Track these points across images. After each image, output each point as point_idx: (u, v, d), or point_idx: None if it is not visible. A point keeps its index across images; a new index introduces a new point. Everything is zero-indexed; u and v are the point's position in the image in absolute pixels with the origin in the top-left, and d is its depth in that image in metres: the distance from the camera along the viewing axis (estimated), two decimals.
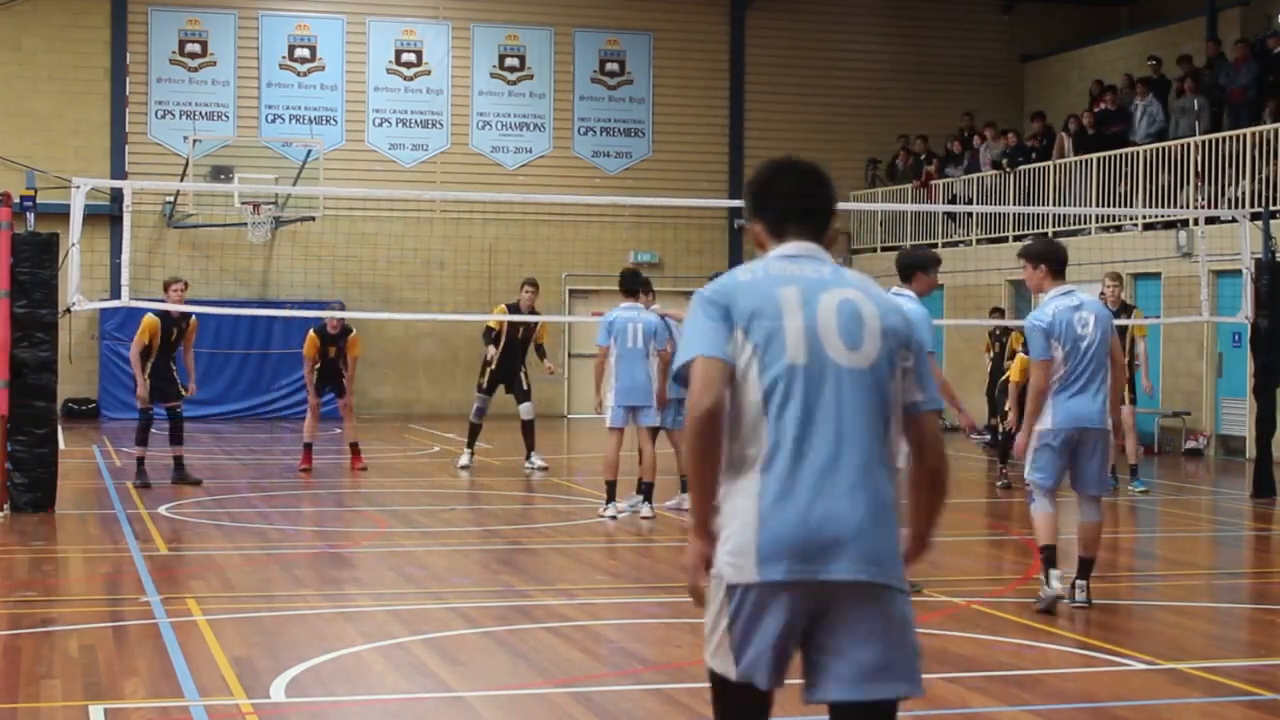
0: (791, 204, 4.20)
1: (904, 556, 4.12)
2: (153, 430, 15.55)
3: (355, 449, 17.36)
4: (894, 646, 4.06)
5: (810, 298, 4.02)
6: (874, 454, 3.99)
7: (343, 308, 17.90)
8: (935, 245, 27.27)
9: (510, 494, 15.78)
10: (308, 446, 17.17)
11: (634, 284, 13.57)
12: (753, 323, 3.98)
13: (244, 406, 26.15)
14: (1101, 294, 15.03)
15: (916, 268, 9.69)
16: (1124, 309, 15.67)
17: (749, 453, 3.97)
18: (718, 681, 4.39)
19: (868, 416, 3.99)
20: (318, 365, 17.06)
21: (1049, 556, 9.15)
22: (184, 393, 15.47)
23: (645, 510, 13.32)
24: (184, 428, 15.70)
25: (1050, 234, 24.04)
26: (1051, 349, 9.04)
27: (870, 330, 4.03)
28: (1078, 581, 9.21)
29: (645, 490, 13.38)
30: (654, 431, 13.42)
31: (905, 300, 9.27)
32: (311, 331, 17.18)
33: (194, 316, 15.69)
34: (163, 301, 15.38)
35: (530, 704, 7.12)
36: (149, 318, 15.13)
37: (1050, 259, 9.30)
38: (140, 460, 15.39)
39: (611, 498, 13.28)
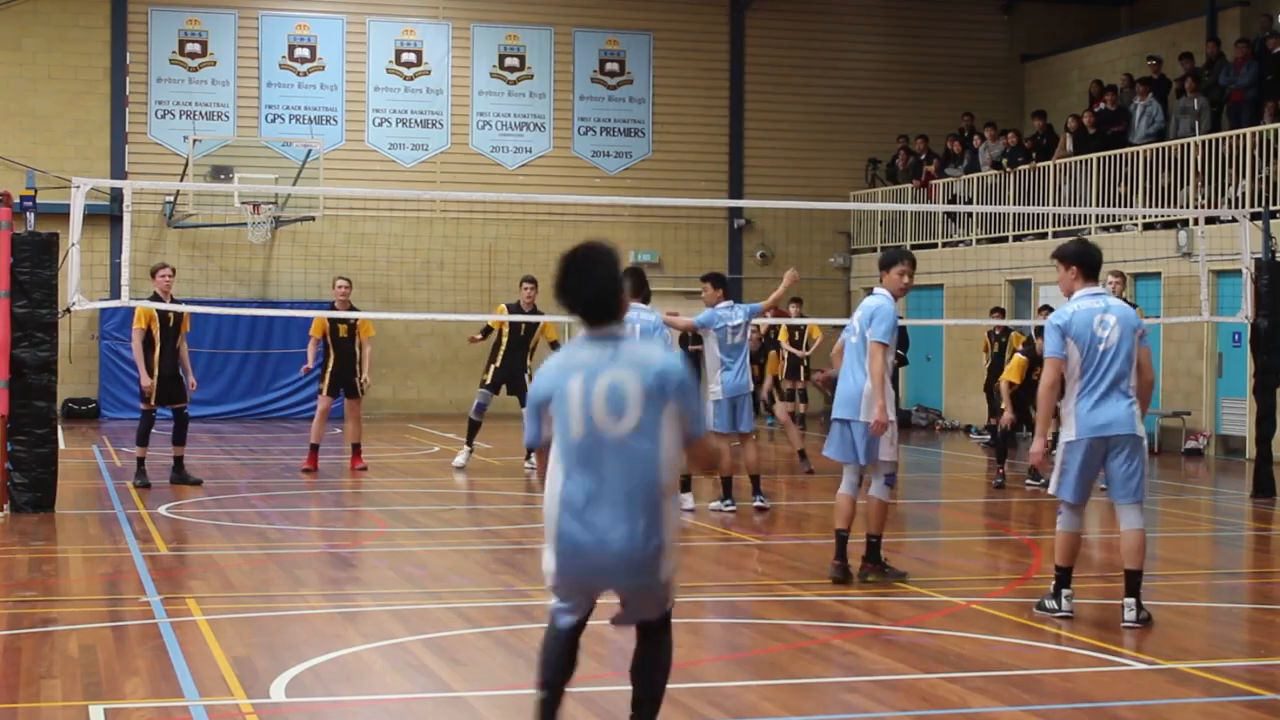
0: (564, 304, 5.52)
1: None
2: (153, 430, 15.53)
3: (356, 449, 17.30)
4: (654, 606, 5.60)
5: (589, 384, 5.38)
6: (638, 494, 5.34)
7: (349, 285, 17.55)
8: (935, 245, 27.30)
9: (510, 494, 15.77)
10: (314, 448, 17.12)
11: (639, 285, 13.60)
12: (554, 406, 5.47)
13: (244, 406, 26.15)
14: None
15: (883, 266, 10.28)
16: None
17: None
18: None
19: (634, 467, 5.33)
20: (330, 359, 16.83)
21: (1061, 576, 8.96)
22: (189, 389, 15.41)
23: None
24: (188, 428, 15.68)
25: (1051, 234, 24.06)
26: (1066, 348, 8.82)
27: (632, 400, 5.34)
28: (1127, 600, 8.82)
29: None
30: None
31: (874, 296, 10.17)
32: (320, 315, 17.11)
33: (185, 309, 15.65)
34: (155, 297, 15.32)
35: (530, 704, 7.11)
36: (143, 306, 15.06)
37: (1083, 261, 9.08)
38: (140, 460, 15.37)
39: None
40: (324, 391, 17.05)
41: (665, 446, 5.37)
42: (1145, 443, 8.91)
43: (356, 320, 17.00)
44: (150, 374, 15.01)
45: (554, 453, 5.51)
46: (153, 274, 15.41)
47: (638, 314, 13.39)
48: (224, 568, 10.78)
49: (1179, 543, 13.11)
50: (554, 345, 17.68)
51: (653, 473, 5.35)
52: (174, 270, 15.75)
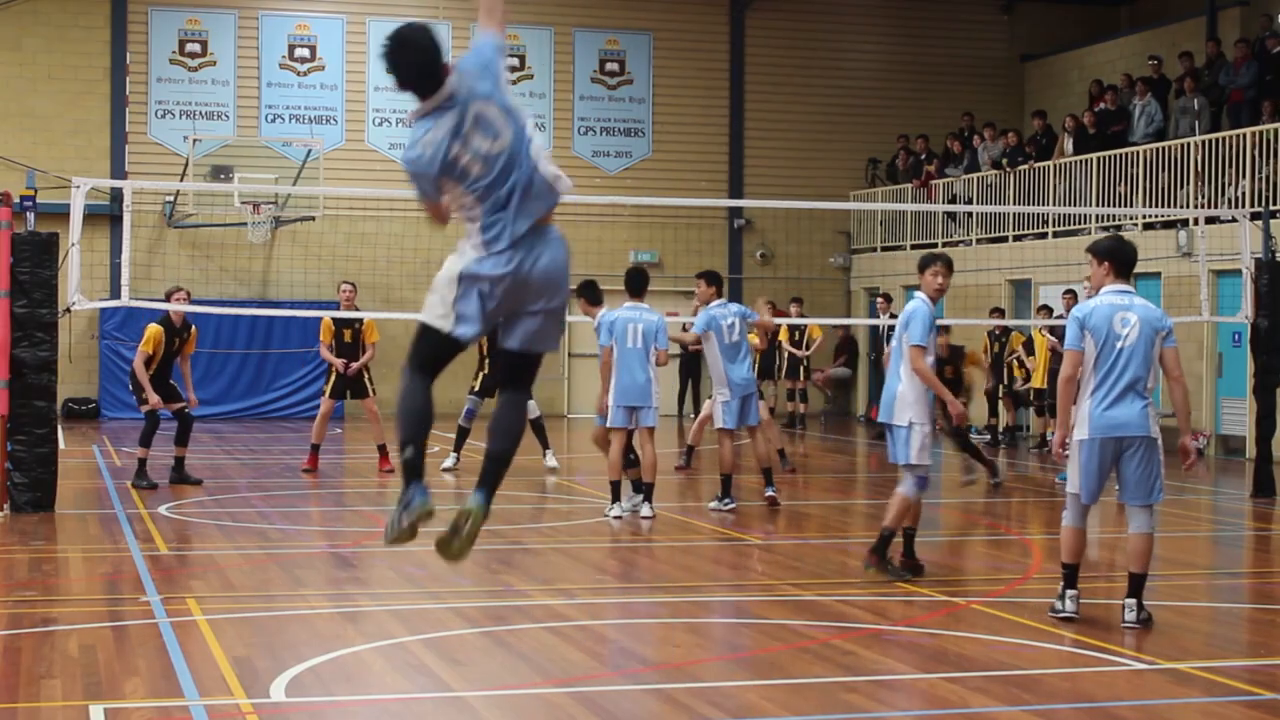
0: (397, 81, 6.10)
1: None
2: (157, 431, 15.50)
3: (383, 450, 17.00)
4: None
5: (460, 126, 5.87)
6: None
7: (354, 289, 17.49)
8: (935, 245, 27.30)
9: (510, 494, 15.77)
10: (315, 448, 17.09)
11: (639, 284, 13.59)
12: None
13: (244, 406, 26.15)
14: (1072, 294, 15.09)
15: (919, 269, 10.49)
16: None
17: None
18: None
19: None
20: (335, 360, 16.85)
21: (1068, 575, 8.92)
22: (188, 402, 15.44)
23: (646, 510, 13.32)
24: (192, 429, 15.68)
25: (1051, 234, 24.07)
26: (1084, 341, 8.73)
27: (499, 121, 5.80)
28: (1128, 600, 8.82)
29: (646, 490, 13.39)
30: (652, 431, 13.41)
31: (911, 300, 10.43)
32: (326, 317, 17.08)
33: (194, 327, 15.64)
34: (163, 304, 15.35)
35: (530, 704, 7.12)
36: (154, 327, 15.06)
37: (1115, 257, 8.93)
38: (142, 461, 15.37)
39: (616, 498, 13.33)
40: (327, 394, 17.01)
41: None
42: (1160, 444, 8.84)
43: (361, 323, 16.97)
44: (152, 394, 15.03)
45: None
46: (168, 296, 15.42)
47: (639, 313, 13.42)
48: (224, 568, 10.78)
49: (1179, 543, 13.10)
50: None
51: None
52: (189, 293, 15.83)
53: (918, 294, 10.43)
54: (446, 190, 5.66)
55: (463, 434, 17.27)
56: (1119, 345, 8.69)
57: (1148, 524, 8.83)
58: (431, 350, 5.69)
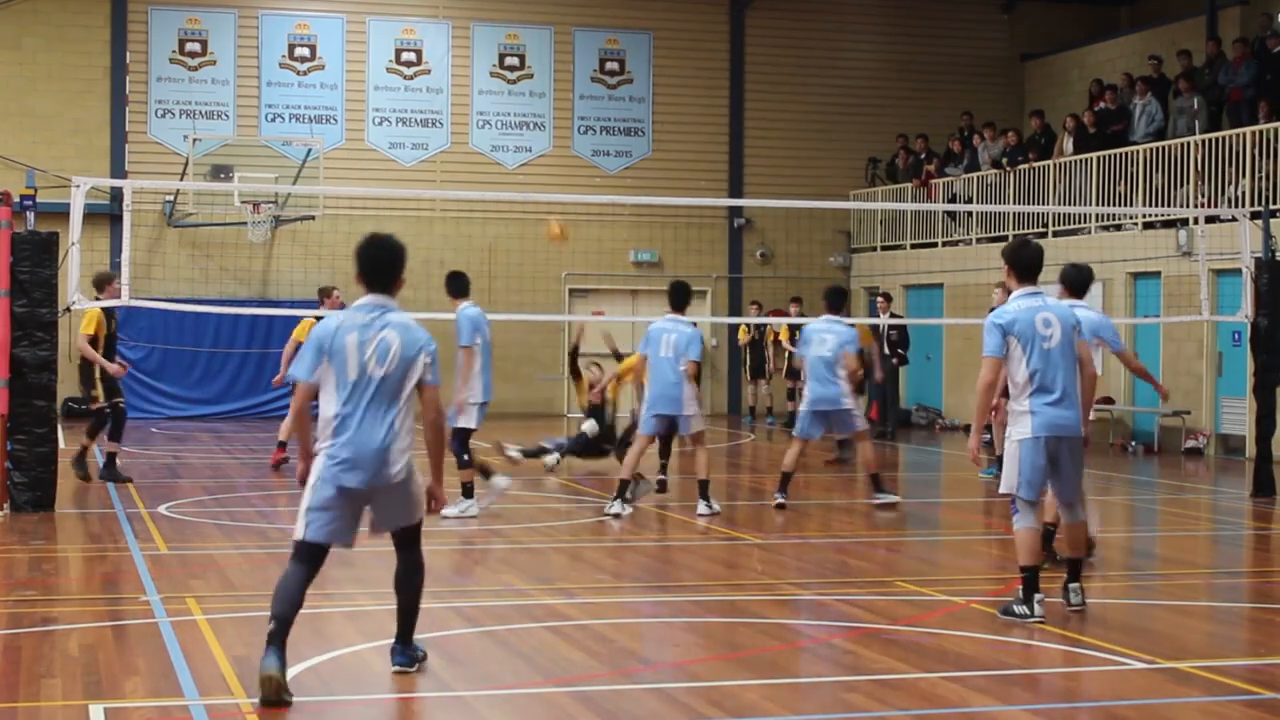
0: (363, 270, 7.57)
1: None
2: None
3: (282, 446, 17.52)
4: (409, 509, 7.37)
5: (363, 340, 7.25)
6: (392, 421, 7.24)
7: (337, 296, 17.52)
8: (935, 245, 27.31)
9: (511, 494, 15.76)
10: (282, 444, 17.26)
11: (682, 298, 14.15)
12: (333, 358, 7.24)
13: (244, 406, 26.14)
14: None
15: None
16: None
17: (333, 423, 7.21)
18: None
19: (390, 406, 7.23)
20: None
21: (1031, 579, 8.85)
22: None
23: (703, 508, 13.61)
24: (125, 424, 15.85)
25: (1051, 233, 24.05)
26: (1008, 347, 8.83)
27: (393, 355, 7.22)
28: (1070, 585, 9.04)
29: (701, 488, 13.70)
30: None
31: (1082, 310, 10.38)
32: (309, 318, 17.04)
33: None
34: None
35: (530, 704, 7.12)
36: (94, 310, 15.15)
37: (1015, 262, 9.07)
38: (84, 450, 15.55)
39: (620, 495, 13.44)
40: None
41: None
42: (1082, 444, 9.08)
43: None
44: (111, 365, 15.27)
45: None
46: (105, 285, 15.64)
47: (676, 324, 13.70)
48: (224, 567, 10.78)
49: (1179, 542, 13.12)
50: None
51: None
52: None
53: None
54: None
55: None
56: (1047, 346, 8.82)
57: (1079, 514, 9.14)
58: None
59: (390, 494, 7.21)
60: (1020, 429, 8.86)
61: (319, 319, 16.57)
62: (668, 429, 14.08)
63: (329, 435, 7.16)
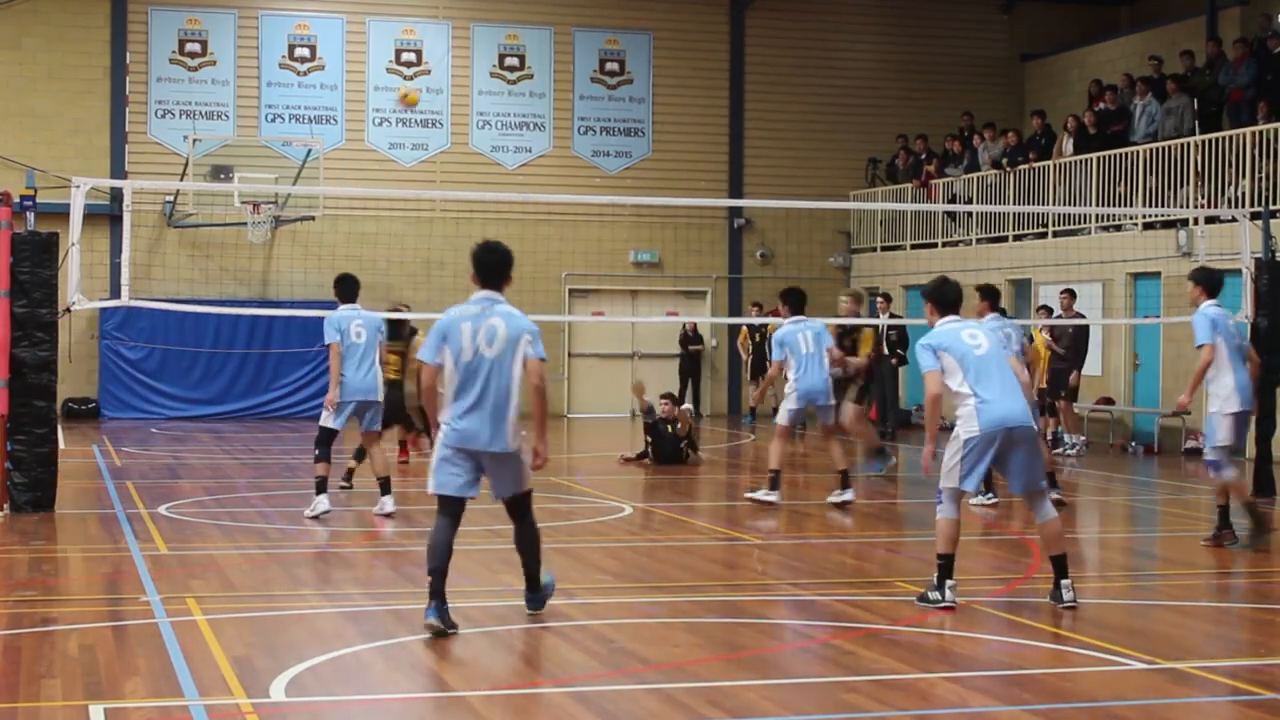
0: (477, 271, 8.82)
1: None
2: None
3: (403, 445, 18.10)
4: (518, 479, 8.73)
5: (475, 327, 8.57)
6: (503, 396, 8.51)
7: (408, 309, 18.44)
8: (935, 245, 27.31)
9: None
10: (403, 443, 18.08)
11: (800, 300, 15.03)
12: (451, 343, 8.55)
13: (244, 406, 26.15)
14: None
15: None
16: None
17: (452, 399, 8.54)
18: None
19: (500, 380, 8.50)
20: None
21: (946, 565, 9.25)
22: None
23: (847, 496, 14.36)
24: None
25: (1051, 233, 24.05)
26: (941, 360, 9.34)
27: (500, 338, 8.56)
28: (1061, 582, 9.22)
29: (843, 477, 14.52)
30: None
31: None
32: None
33: None
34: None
35: (530, 704, 7.12)
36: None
37: (933, 299, 9.72)
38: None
39: (775, 486, 14.37)
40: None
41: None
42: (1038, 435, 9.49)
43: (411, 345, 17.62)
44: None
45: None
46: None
47: (805, 323, 14.77)
48: (224, 568, 10.78)
49: (1179, 542, 13.11)
50: None
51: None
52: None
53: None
54: None
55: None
56: (978, 352, 9.27)
57: (1051, 510, 9.34)
58: None
59: (501, 463, 8.57)
60: (968, 428, 9.26)
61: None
62: (804, 419, 15.36)
63: (449, 408, 8.47)
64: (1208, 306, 12.49)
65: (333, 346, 13.43)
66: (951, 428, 9.37)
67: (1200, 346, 12.30)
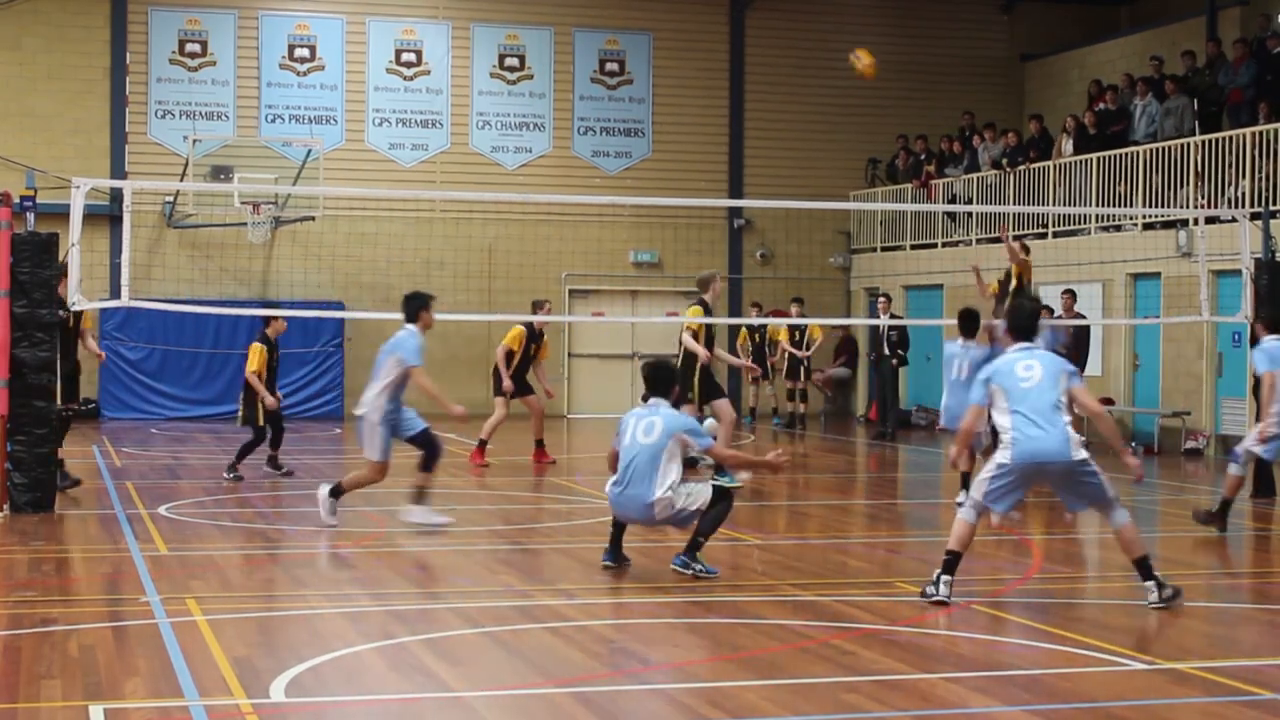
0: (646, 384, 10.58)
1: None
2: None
3: (540, 445, 18.55)
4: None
5: (638, 421, 10.32)
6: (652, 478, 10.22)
7: (548, 309, 19.13)
8: (935, 245, 27.31)
9: (511, 494, 15.78)
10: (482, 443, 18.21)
11: (972, 325, 14.66)
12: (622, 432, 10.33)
13: None
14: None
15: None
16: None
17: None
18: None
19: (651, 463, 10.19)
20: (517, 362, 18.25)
21: (949, 562, 9.44)
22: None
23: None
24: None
25: (1051, 234, 24.05)
26: (990, 391, 9.58)
27: (657, 429, 10.17)
28: (1145, 584, 9.36)
29: (964, 479, 13.98)
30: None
31: None
32: (518, 327, 18.39)
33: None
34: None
35: (530, 704, 7.12)
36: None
37: (1008, 325, 10.02)
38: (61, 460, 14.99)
39: (965, 485, 13.89)
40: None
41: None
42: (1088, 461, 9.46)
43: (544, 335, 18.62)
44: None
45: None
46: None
47: (966, 349, 14.50)
48: (224, 568, 10.78)
49: (1179, 542, 13.11)
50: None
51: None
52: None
53: None
54: None
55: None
56: (1024, 385, 9.35)
57: (1121, 517, 9.48)
58: None
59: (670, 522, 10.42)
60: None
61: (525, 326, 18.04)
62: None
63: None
64: (1267, 341, 13.07)
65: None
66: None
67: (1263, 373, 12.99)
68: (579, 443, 23.28)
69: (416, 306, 12.71)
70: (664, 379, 10.69)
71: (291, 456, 18.69)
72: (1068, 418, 9.33)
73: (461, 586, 10.07)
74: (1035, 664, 7.92)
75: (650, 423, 10.26)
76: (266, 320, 16.63)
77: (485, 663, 7.87)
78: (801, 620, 8.97)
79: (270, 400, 16.25)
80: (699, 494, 10.26)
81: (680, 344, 15.78)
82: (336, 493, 12.64)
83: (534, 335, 18.35)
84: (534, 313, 18.66)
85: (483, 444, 18.11)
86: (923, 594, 9.40)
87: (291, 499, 15.07)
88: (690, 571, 10.26)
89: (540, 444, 18.45)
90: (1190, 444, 20.91)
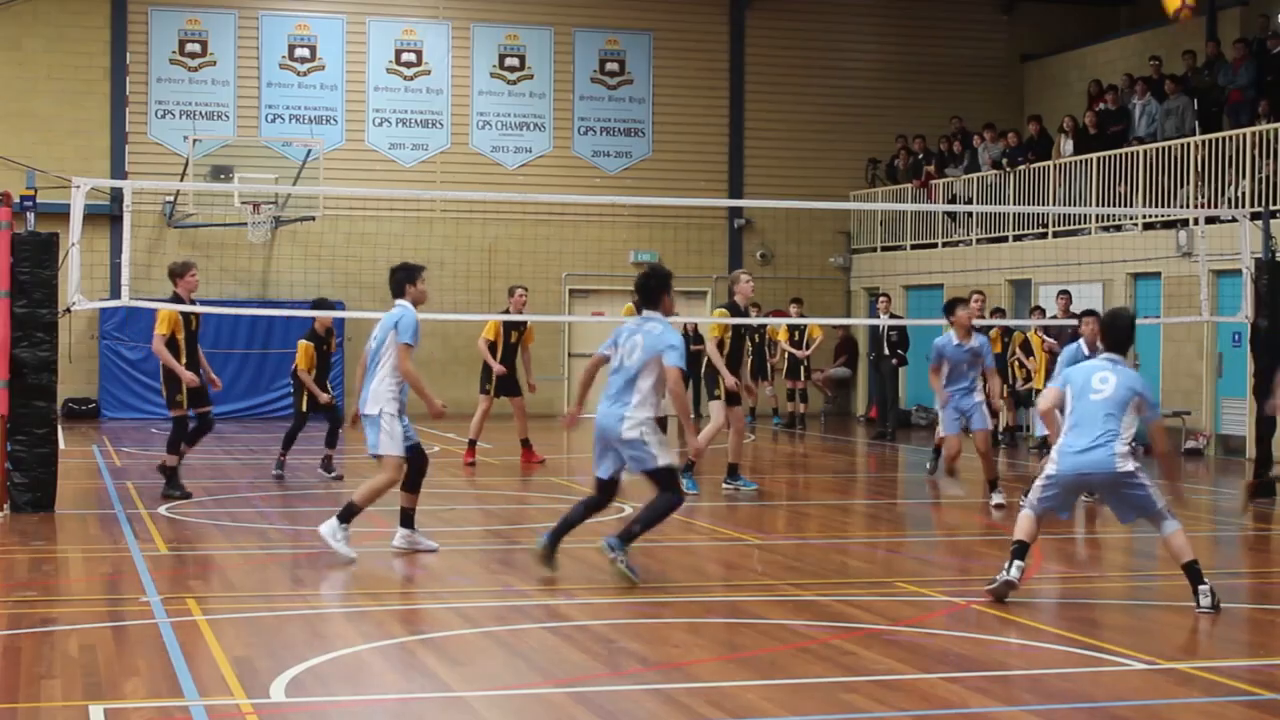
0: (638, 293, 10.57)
1: None
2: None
3: (526, 444, 18.23)
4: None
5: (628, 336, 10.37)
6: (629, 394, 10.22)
7: (520, 295, 18.41)
8: (935, 245, 27.32)
9: (510, 494, 15.78)
10: (472, 443, 18.07)
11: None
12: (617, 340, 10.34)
13: (244, 406, 26.15)
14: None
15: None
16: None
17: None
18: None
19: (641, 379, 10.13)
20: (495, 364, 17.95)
21: (1016, 550, 9.61)
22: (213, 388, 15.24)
23: (998, 499, 14.27)
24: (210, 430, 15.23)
25: (1051, 234, 24.05)
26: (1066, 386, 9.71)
27: (639, 346, 10.25)
28: (1198, 588, 9.29)
29: (993, 483, 14.40)
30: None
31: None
32: (495, 321, 18.12)
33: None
34: (165, 300, 15.27)
35: (530, 704, 7.12)
36: (165, 309, 14.53)
37: (1102, 334, 9.94)
38: (175, 469, 14.62)
39: (994, 487, 14.43)
40: (492, 393, 18.00)
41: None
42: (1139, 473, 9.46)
43: (525, 326, 18.19)
44: (184, 376, 14.37)
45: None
46: (181, 274, 14.66)
47: (952, 342, 15.12)
48: (224, 568, 10.78)
49: None
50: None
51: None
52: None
53: None
54: None
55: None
56: (1093, 396, 9.39)
57: (1170, 525, 9.39)
58: None
59: (625, 447, 10.01)
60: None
61: (504, 323, 17.68)
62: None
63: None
64: None
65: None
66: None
67: None
68: (579, 442, 23.28)
69: (403, 279, 11.37)
70: (654, 287, 10.58)
71: (292, 456, 18.67)
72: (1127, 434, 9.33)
73: (461, 586, 10.07)
74: (1035, 664, 7.92)
75: (633, 342, 10.26)
76: (314, 316, 16.56)
77: (485, 663, 7.87)
78: (801, 620, 8.97)
79: (323, 396, 16.38)
80: (661, 449, 10.01)
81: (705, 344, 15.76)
82: (348, 516, 11.05)
83: (512, 323, 17.95)
84: (513, 295, 18.32)
85: (473, 443, 18.07)
86: (991, 584, 9.52)
87: (292, 499, 15.07)
88: (614, 557, 9.91)
89: (526, 443, 18.32)
90: (1190, 444, 20.91)
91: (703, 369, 16.00)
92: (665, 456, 10.04)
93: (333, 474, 16.45)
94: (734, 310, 15.39)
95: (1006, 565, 9.46)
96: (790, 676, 7.64)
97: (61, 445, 16.71)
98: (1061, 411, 9.58)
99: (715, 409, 15.14)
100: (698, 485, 14.98)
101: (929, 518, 14.64)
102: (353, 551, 10.92)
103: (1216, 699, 7.19)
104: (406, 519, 11.35)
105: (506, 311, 18.26)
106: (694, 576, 10.74)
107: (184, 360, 14.48)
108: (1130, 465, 9.25)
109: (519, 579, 10.37)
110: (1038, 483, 9.60)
